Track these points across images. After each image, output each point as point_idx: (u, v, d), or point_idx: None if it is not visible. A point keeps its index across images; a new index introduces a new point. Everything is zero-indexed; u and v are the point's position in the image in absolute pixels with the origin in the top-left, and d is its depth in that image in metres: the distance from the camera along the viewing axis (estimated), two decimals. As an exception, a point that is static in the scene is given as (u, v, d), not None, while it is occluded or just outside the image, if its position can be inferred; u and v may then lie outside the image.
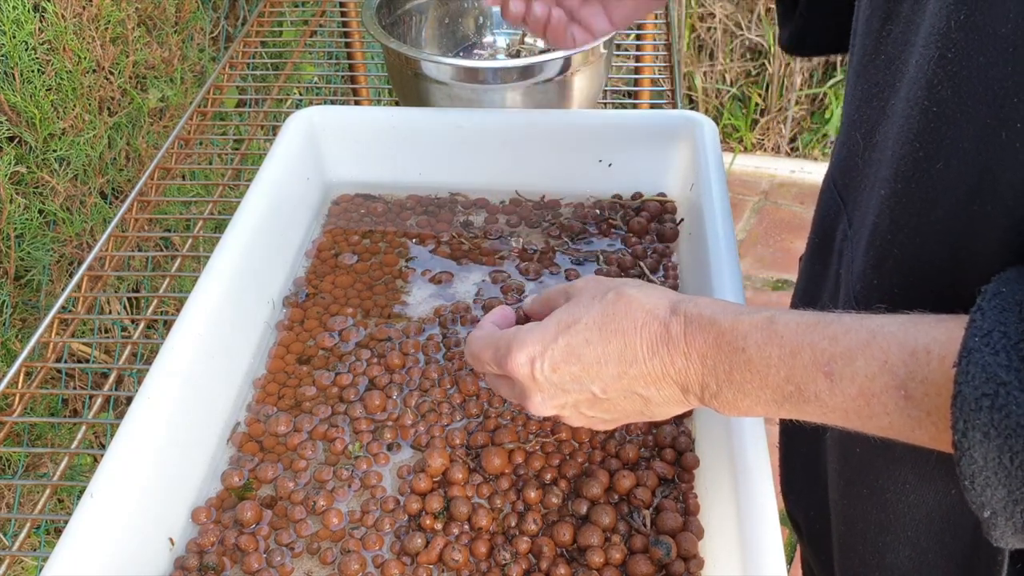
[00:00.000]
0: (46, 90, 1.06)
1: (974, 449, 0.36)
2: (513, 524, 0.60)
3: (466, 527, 0.60)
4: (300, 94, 1.59)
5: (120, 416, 0.61)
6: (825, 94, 2.51)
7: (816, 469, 0.62)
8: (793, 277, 0.72)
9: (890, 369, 0.39)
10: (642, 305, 0.47)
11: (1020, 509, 0.36)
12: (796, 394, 0.42)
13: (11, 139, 1.05)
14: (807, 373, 0.41)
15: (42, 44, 1.06)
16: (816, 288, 0.60)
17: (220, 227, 0.97)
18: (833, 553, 0.60)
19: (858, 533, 0.55)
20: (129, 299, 1.25)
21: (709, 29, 2.51)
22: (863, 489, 0.53)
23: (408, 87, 1.00)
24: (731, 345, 0.44)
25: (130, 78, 1.21)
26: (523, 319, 0.58)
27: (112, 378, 0.86)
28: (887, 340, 0.39)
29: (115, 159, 1.21)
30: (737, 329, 0.44)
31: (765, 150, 2.60)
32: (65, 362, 0.96)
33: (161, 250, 1.18)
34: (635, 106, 1.32)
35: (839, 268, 0.55)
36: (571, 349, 0.48)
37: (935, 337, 0.38)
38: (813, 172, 2.52)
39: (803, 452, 0.65)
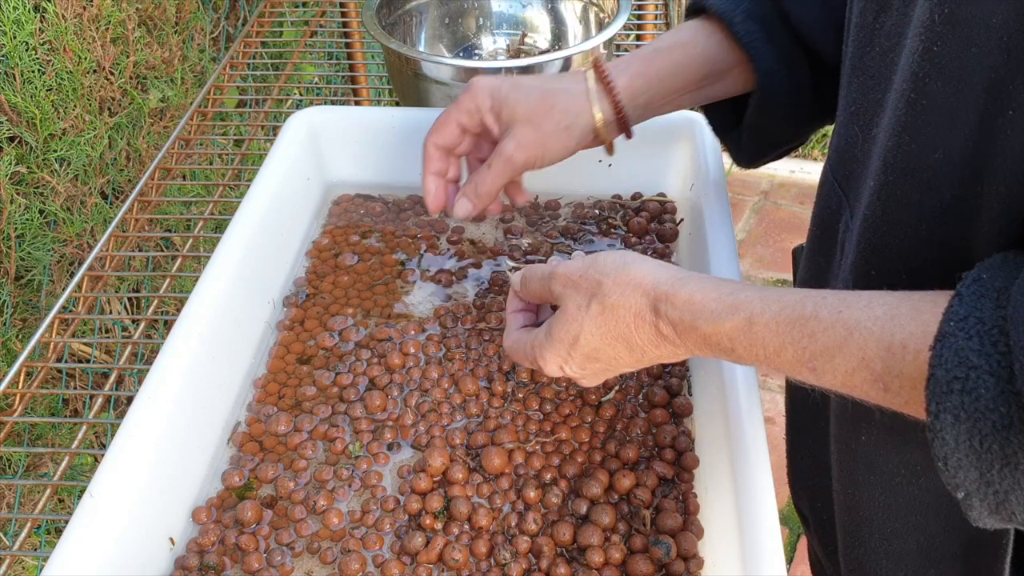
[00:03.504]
0: (47, 90, 1.06)
1: (945, 431, 0.37)
2: (513, 524, 0.60)
3: (466, 527, 0.60)
4: (300, 94, 1.59)
5: (120, 416, 0.61)
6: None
7: (823, 459, 0.62)
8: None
9: (867, 365, 0.41)
10: (627, 310, 0.51)
11: (992, 491, 0.37)
12: (789, 377, 0.47)
13: (12, 139, 1.05)
14: (793, 367, 0.44)
15: (43, 44, 1.06)
16: (819, 282, 0.60)
17: (220, 227, 0.98)
18: (837, 543, 0.61)
19: (864, 520, 0.55)
20: (129, 299, 1.25)
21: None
22: (871, 476, 0.54)
23: (408, 87, 1.00)
24: (719, 346, 0.47)
25: (130, 78, 1.21)
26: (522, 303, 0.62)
27: (112, 378, 0.86)
28: (864, 337, 0.41)
29: (115, 159, 1.21)
30: (720, 333, 0.47)
31: (765, 150, 2.60)
32: (66, 362, 0.96)
33: (161, 250, 1.19)
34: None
35: (842, 260, 0.56)
36: (586, 355, 0.53)
37: (911, 332, 0.39)
38: (813, 172, 2.51)
39: (809, 442, 0.65)
